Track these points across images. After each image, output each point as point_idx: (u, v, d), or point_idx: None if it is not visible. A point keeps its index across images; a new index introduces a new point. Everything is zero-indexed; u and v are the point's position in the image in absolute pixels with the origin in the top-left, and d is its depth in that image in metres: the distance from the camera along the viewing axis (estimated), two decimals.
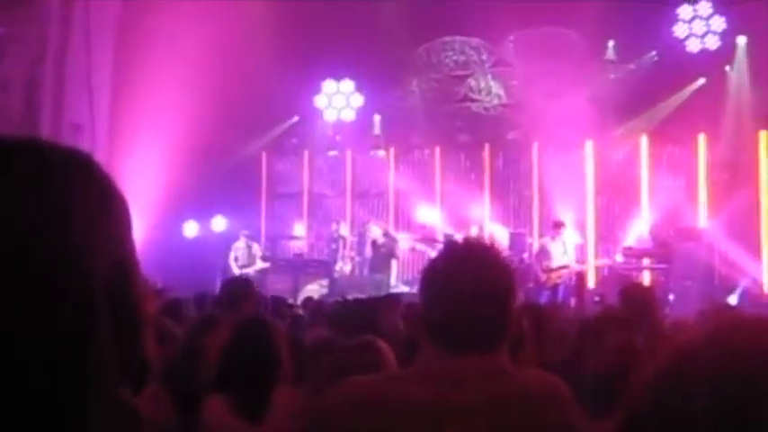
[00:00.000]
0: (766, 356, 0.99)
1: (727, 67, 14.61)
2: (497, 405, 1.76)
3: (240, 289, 5.43)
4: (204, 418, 3.00)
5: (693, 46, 14.88)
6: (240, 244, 15.08)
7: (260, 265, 14.94)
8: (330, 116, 17.34)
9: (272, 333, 3.14)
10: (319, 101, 17.31)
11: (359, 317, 4.25)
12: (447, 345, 1.81)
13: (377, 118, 16.95)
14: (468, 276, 1.81)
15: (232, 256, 14.96)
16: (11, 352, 0.72)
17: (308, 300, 10.79)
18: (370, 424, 1.75)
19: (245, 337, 3.14)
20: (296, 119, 17.38)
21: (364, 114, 17.16)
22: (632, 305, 4.94)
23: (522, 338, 3.31)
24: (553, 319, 4.60)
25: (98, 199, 0.83)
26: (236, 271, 14.48)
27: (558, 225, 13.40)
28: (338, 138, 17.37)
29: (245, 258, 14.93)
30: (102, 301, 0.78)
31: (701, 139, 14.83)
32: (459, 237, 14.04)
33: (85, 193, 0.82)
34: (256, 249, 15.19)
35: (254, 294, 5.90)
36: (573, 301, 12.80)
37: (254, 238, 15.68)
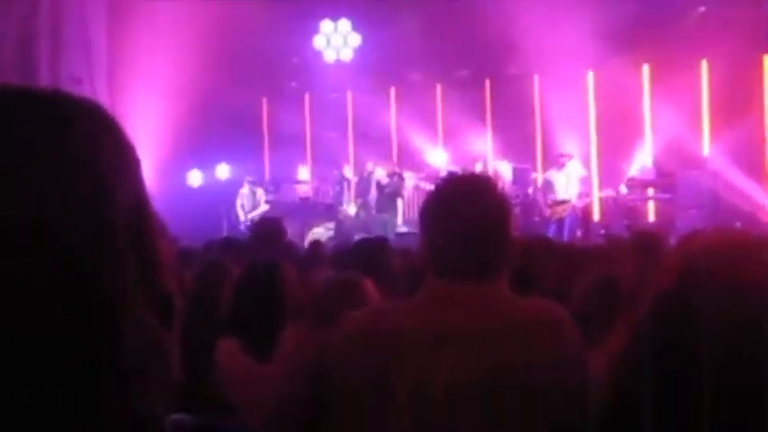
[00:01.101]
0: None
1: None
2: (497, 329, 1.80)
3: (272, 227, 5.52)
4: (216, 359, 3.08)
5: None
6: (245, 190, 15.15)
7: (263, 207, 15.02)
8: (329, 57, 17.22)
9: (281, 274, 3.19)
10: (317, 41, 17.17)
11: (357, 256, 4.30)
12: (446, 273, 1.87)
13: (375, 55, 16.83)
14: (464, 205, 1.87)
15: (239, 203, 15.04)
16: (39, 293, 0.76)
17: (315, 243, 10.84)
18: (371, 355, 1.80)
19: (253, 278, 3.20)
20: (294, 60, 17.26)
21: (363, 54, 17.04)
22: (642, 249, 4.95)
23: (533, 272, 3.32)
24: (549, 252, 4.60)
25: (115, 147, 0.86)
26: (243, 217, 14.58)
27: (564, 156, 13.39)
28: (337, 77, 17.24)
29: (250, 204, 15.01)
30: (126, 242, 0.82)
31: (704, 66, 14.72)
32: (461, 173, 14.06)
33: (106, 142, 0.85)
34: (261, 194, 15.26)
35: (285, 233, 5.99)
36: (579, 234, 12.89)
37: (258, 183, 15.72)
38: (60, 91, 0.87)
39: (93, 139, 0.83)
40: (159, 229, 0.91)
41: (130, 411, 0.81)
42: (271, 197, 15.75)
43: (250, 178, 15.53)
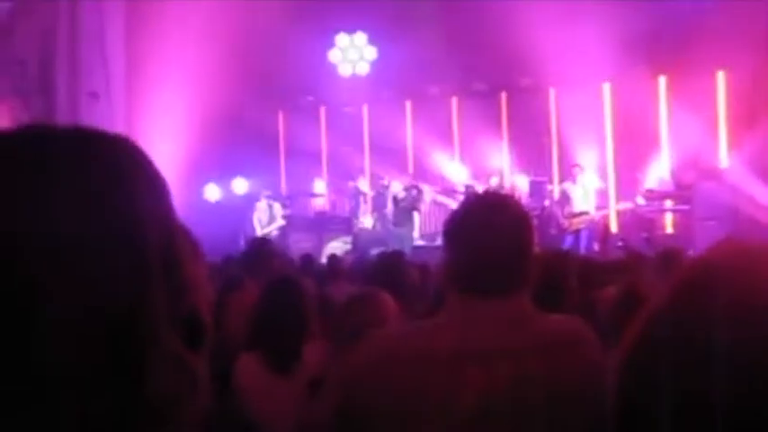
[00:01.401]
0: None
1: None
2: (521, 349, 1.80)
3: (265, 249, 5.54)
4: (237, 376, 3.08)
5: None
6: (262, 205, 15.18)
7: (279, 222, 15.03)
8: (345, 70, 17.27)
9: (301, 290, 3.20)
10: (333, 55, 17.22)
11: (376, 271, 4.31)
12: (470, 290, 1.87)
13: (391, 68, 16.89)
14: (488, 223, 1.88)
15: (255, 217, 15.07)
16: (73, 319, 0.77)
17: (332, 257, 10.87)
18: (397, 376, 1.80)
19: (274, 295, 3.21)
20: (310, 74, 17.30)
21: (379, 67, 17.07)
22: (666, 266, 4.93)
23: (563, 286, 3.31)
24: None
25: (147, 181, 0.88)
26: (260, 232, 14.60)
27: (575, 166, 13.37)
28: (353, 91, 17.28)
29: (266, 219, 15.04)
30: (158, 268, 0.83)
31: (720, 77, 14.66)
32: (479, 187, 14.07)
33: (135, 172, 0.87)
34: (277, 209, 15.27)
35: (278, 254, 6.01)
36: (596, 246, 12.83)
37: (275, 197, 15.76)
38: (92, 128, 0.89)
39: (126, 174, 0.85)
40: (192, 253, 0.92)
41: None
42: (287, 211, 15.79)
43: (267, 192, 15.57)
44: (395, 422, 1.79)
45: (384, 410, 1.80)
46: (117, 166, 0.85)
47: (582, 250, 12.28)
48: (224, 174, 16.44)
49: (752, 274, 1.03)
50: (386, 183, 15.53)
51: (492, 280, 1.85)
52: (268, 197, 15.39)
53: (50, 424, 0.75)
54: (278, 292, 3.21)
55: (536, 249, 2.03)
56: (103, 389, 0.77)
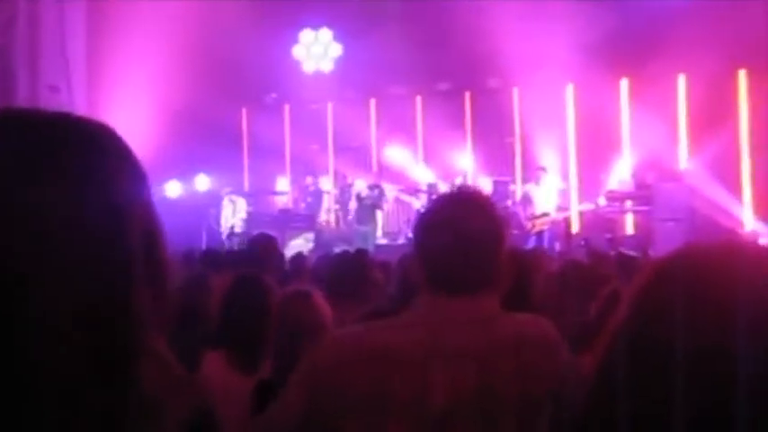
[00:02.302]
0: (736, 282, 1.02)
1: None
2: (488, 349, 1.79)
3: (265, 246, 5.54)
4: (203, 373, 3.05)
5: None
6: (225, 203, 15.10)
7: (239, 216, 14.97)
8: (309, 67, 17.20)
9: (265, 289, 3.18)
10: (297, 51, 17.14)
11: (340, 269, 4.30)
12: (439, 288, 1.86)
13: (355, 65, 16.87)
14: (459, 220, 1.86)
15: (223, 216, 15.01)
16: (63, 308, 0.75)
17: (297, 256, 10.79)
18: (365, 372, 1.78)
19: (238, 293, 3.18)
20: (274, 71, 17.21)
21: (343, 64, 17.04)
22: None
23: (526, 286, 3.32)
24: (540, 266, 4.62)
25: (127, 161, 0.86)
26: (225, 229, 14.55)
27: (539, 169, 13.47)
28: (316, 88, 17.22)
29: (231, 215, 14.96)
30: (141, 253, 0.81)
31: (681, 80, 14.86)
32: (442, 186, 14.10)
33: (117, 156, 0.85)
34: (242, 204, 15.19)
35: (278, 251, 6.00)
36: (558, 246, 12.94)
37: (237, 193, 15.69)
38: (74, 114, 0.87)
39: (109, 163, 0.83)
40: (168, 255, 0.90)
41: None
42: (251, 208, 15.72)
43: (228, 189, 15.49)
44: (361, 422, 1.77)
45: (350, 410, 1.78)
46: (99, 154, 0.82)
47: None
48: (186, 170, 16.29)
49: (706, 283, 1.03)
50: (349, 181, 15.53)
51: (461, 278, 1.84)
52: (229, 194, 15.31)
53: (35, 424, 0.73)
54: (241, 291, 3.18)
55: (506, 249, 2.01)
56: (88, 390, 0.75)
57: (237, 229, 14.71)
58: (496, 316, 1.88)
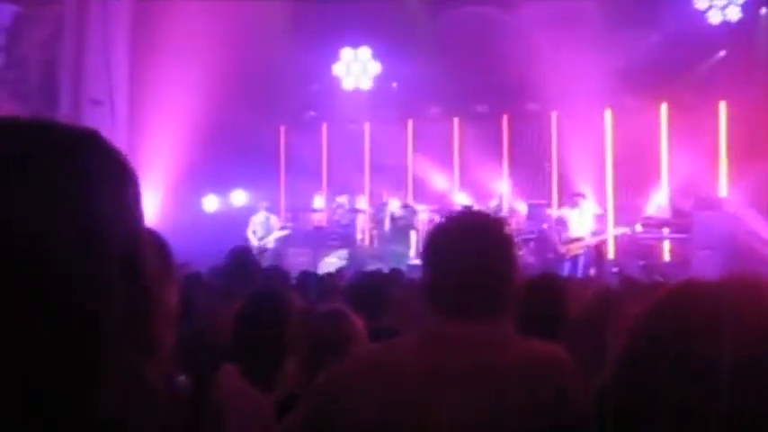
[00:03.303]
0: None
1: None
2: (496, 371, 1.77)
3: (247, 261, 5.55)
4: (218, 386, 3.06)
5: (714, 18, 14.65)
6: (259, 217, 15.09)
7: (276, 234, 14.93)
8: (348, 84, 17.29)
9: (283, 304, 3.18)
10: (337, 69, 17.25)
11: (370, 289, 4.29)
12: (447, 310, 1.84)
13: (395, 85, 16.93)
14: (463, 242, 1.85)
15: (250, 228, 14.98)
16: (26, 324, 0.73)
17: (330, 274, 10.82)
18: (372, 393, 1.78)
19: (256, 308, 3.19)
20: (315, 87, 17.33)
21: (382, 83, 17.11)
22: None
23: (556, 314, 3.27)
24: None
25: (111, 174, 0.83)
26: (255, 243, 14.54)
27: (578, 195, 13.35)
28: (355, 107, 17.27)
29: (263, 231, 14.96)
30: (116, 276, 0.79)
31: (722, 107, 14.69)
32: (476, 208, 14.04)
33: (99, 169, 0.82)
34: (275, 221, 15.20)
35: (260, 266, 5.99)
36: (593, 272, 12.79)
37: (273, 210, 15.73)
38: (53, 121, 0.84)
39: (92, 168, 0.81)
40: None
41: None
42: (289, 224, 15.71)
43: (265, 203, 15.53)
44: None
45: (359, 426, 1.77)
46: (78, 163, 0.80)
47: (579, 276, 12.25)
48: (224, 186, 16.43)
49: (735, 297, 1.03)
50: (384, 200, 15.54)
51: (465, 301, 1.82)
52: (267, 209, 15.36)
53: None
54: (260, 306, 3.19)
55: (519, 272, 1.99)
56: (57, 400, 0.74)
57: (270, 245, 14.72)
58: (505, 340, 1.84)
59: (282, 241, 14.98)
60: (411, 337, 1.92)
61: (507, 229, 1.97)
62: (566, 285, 3.93)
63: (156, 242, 1.37)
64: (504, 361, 1.80)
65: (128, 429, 0.80)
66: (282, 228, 15.16)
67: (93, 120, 14.42)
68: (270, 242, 14.70)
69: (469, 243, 1.84)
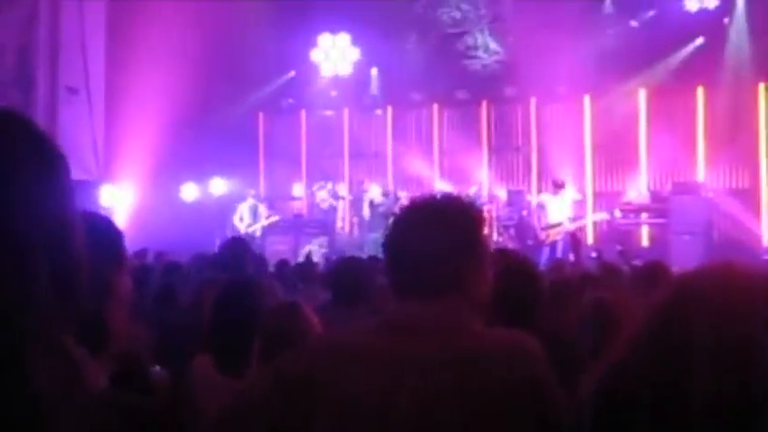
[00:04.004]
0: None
1: (726, 19, 14.47)
2: (461, 358, 1.75)
3: (240, 249, 5.54)
4: (192, 376, 3.05)
5: (692, 5, 14.70)
6: (246, 204, 15.00)
7: (265, 222, 14.87)
8: (327, 71, 17.19)
9: (257, 293, 3.17)
10: (315, 55, 17.14)
11: (347, 277, 4.28)
12: (399, 291, 1.85)
13: (374, 71, 16.87)
14: (426, 222, 1.85)
15: (237, 215, 14.90)
16: None
17: (307, 262, 10.80)
18: (332, 377, 1.77)
19: (229, 296, 3.18)
20: (292, 74, 17.24)
21: (361, 69, 17.04)
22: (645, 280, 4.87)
23: (527, 304, 3.26)
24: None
25: (36, 156, 0.82)
26: (243, 230, 14.50)
27: (559, 185, 13.36)
28: (334, 93, 17.21)
29: (250, 218, 14.87)
30: (40, 255, 0.78)
31: (700, 93, 14.76)
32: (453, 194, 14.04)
33: (23, 150, 0.81)
34: (262, 210, 15.11)
35: (253, 253, 6.00)
36: (572, 257, 12.85)
37: (260, 198, 15.66)
38: None
39: (8, 152, 0.80)
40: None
41: None
42: (272, 214, 15.64)
43: (252, 191, 15.50)
44: (326, 426, 1.76)
45: (314, 413, 1.76)
46: (4, 139, 0.79)
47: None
48: (202, 174, 16.33)
49: (730, 303, 1.04)
50: (364, 188, 15.53)
51: (418, 283, 1.82)
52: (254, 196, 15.30)
53: None
54: (233, 294, 3.18)
55: (485, 254, 1.96)
56: None
57: (258, 233, 14.67)
58: (465, 325, 1.82)
59: (263, 229, 14.94)
60: (376, 321, 1.92)
61: (475, 212, 1.94)
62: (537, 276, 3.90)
63: (105, 228, 1.36)
64: (469, 346, 1.78)
65: (54, 405, 0.80)
66: (270, 216, 15.08)
67: (70, 107, 14.31)
68: (257, 230, 14.66)
69: (429, 223, 1.84)
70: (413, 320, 1.81)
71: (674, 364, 1.05)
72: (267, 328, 2.79)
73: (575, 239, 12.80)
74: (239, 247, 5.77)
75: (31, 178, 0.80)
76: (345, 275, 4.37)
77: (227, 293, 3.20)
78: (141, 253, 9.69)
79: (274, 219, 15.00)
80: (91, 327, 0.88)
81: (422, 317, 1.81)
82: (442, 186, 15.80)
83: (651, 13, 14.95)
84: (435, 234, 1.82)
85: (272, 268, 8.25)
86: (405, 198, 15.45)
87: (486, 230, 1.99)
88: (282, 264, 8.76)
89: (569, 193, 13.53)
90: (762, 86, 14.33)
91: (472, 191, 14.56)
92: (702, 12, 14.63)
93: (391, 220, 1.96)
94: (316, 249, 14.47)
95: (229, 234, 14.71)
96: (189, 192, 16.45)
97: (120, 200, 14.72)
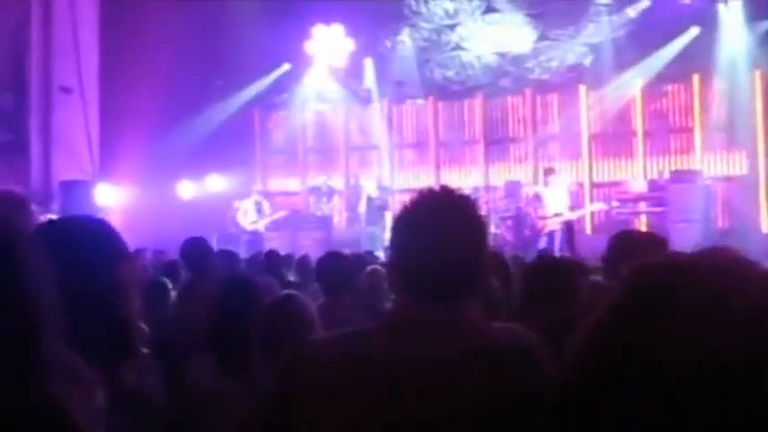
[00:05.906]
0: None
1: (721, 5, 14.44)
2: (461, 357, 1.73)
3: (199, 248, 5.53)
4: (190, 377, 3.03)
5: None
6: (251, 201, 14.93)
7: (270, 217, 14.83)
8: (321, 62, 17.11)
9: (255, 293, 3.14)
10: (310, 46, 17.07)
11: (338, 272, 4.29)
12: (411, 292, 1.80)
13: (368, 62, 16.81)
14: (427, 222, 1.79)
15: (241, 211, 14.83)
16: None
17: (304, 258, 10.75)
18: (328, 380, 1.74)
19: (227, 296, 3.15)
20: (287, 66, 17.14)
21: (355, 61, 16.97)
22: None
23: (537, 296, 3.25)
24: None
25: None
26: (248, 227, 14.48)
27: (549, 172, 13.37)
28: (329, 85, 17.12)
29: (255, 214, 14.82)
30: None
31: (696, 81, 14.74)
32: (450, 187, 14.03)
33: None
34: (267, 206, 15.07)
35: (212, 251, 5.98)
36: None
37: (264, 195, 15.60)
38: None
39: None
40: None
41: None
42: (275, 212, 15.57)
43: (258, 187, 15.49)
44: (326, 426, 1.73)
45: (316, 415, 1.74)
46: None
47: (556, 252, 12.30)
48: (198, 171, 16.27)
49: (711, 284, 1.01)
50: (360, 182, 15.51)
51: (428, 283, 1.77)
52: (259, 192, 15.26)
53: None
54: (231, 294, 3.15)
55: (488, 253, 1.94)
56: None
57: (261, 229, 14.64)
58: (471, 324, 1.80)
59: (275, 220, 14.88)
60: (377, 322, 1.88)
61: (477, 209, 1.91)
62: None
63: (98, 227, 1.36)
64: (471, 345, 1.76)
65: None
66: (274, 212, 15.03)
67: (64, 107, 14.26)
68: (261, 226, 14.63)
69: (432, 223, 1.79)
70: (425, 323, 1.77)
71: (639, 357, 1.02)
72: (266, 323, 2.77)
73: (570, 230, 12.80)
74: (201, 246, 5.75)
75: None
76: (329, 269, 4.57)
77: (225, 293, 3.18)
78: (139, 252, 9.65)
79: (281, 214, 14.97)
80: (117, 335, 0.88)
81: (435, 319, 1.77)
82: (438, 179, 15.80)
83: (647, 2, 14.93)
84: (446, 235, 1.77)
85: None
86: (400, 192, 15.46)
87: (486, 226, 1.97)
88: (271, 253, 8.71)
89: (563, 183, 13.51)
90: (757, 74, 14.31)
91: (469, 183, 14.59)
92: (697, 1, 14.61)
93: (393, 220, 1.92)
94: (311, 244, 14.42)
95: (232, 230, 14.75)
96: (186, 189, 16.41)
97: (116, 199, 14.67)
